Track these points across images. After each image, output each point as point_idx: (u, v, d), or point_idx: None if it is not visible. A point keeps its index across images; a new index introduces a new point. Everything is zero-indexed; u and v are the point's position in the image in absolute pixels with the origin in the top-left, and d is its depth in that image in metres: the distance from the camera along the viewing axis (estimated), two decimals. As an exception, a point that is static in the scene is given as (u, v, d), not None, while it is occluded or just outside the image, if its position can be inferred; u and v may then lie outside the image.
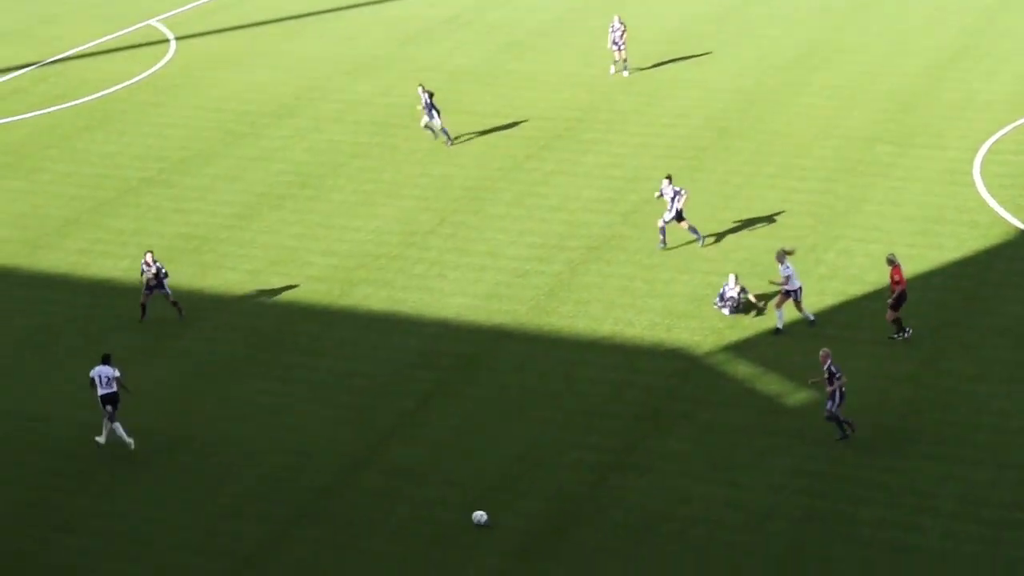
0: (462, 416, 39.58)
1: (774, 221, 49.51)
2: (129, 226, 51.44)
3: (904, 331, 41.82)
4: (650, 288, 45.32)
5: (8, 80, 66.13)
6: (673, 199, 47.27)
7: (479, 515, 34.37)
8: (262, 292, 46.53)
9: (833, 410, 37.21)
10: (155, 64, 67.66)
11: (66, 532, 35.13)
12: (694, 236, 47.99)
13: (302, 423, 39.48)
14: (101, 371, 38.12)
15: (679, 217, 47.60)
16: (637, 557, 33.55)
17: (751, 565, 33.13)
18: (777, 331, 42.43)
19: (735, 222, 49.56)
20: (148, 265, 44.20)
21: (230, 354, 43.09)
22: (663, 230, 47.76)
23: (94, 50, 69.79)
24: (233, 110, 61.94)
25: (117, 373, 38.13)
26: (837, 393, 37.13)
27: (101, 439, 38.31)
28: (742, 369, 41.00)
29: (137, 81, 65.53)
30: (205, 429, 39.29)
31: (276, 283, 47.02)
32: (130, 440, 38.02)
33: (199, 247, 49.65)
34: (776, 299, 42.68)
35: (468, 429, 38.94)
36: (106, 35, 71.92)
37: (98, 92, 64.21)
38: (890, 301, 41.46)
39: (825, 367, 37.23)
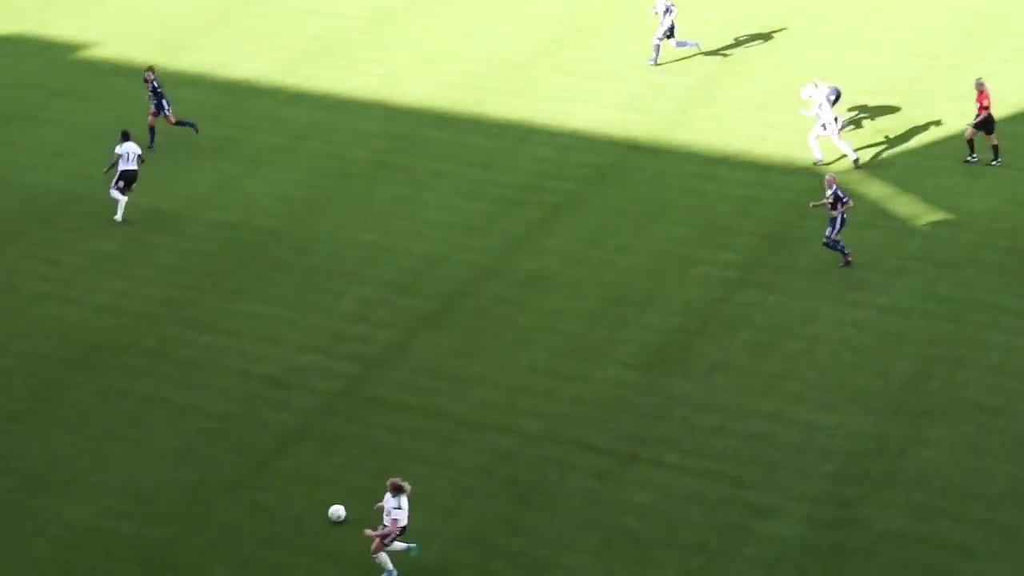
0: (591, 228, 39.52)
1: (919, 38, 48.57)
2: (266, 28, 51.48)
3: (995, 159, 41.12)
4: (785, 104, 44.66)
5: None
6: (665, 14, 46.23)
7: (336, 511, 29.77)
8: (396, 97, 46.53)
9: (832, 236, 36.73)
10: None
11: (197, 329, 35.71)
12: (691, 46, 47.24)
13: (431, 229, 39.62)
14: (129, 148, 39.51)
15: (670, 33, 46.61)
16: (760, 374, 33.51)
17: (877, 386, 32.96)
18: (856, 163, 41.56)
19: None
20: (147, 82, 43.46)
21: (363, 159, 43.25)
22: (657, 48, 46.84)
23: None
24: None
25: (139, 151, 39.61)
26: (839, 219, 36.59)
27: (118, 217, 39.68)
28: (874, 189, 40.46)
29: None
30: (335, 232, 39.59)
31: (410, 88, 46.97)
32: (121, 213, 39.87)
33: (334, 50, 49.65)
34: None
35: (596, 241, 38.88)
36: None
37: None
38: (974, 122, 40.92)
39: (831, 191, 36.64)
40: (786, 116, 44.05)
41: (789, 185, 40.95)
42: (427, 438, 31.77)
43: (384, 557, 27.87)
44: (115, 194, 39.77)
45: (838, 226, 36.73)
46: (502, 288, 37.14)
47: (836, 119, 41.40)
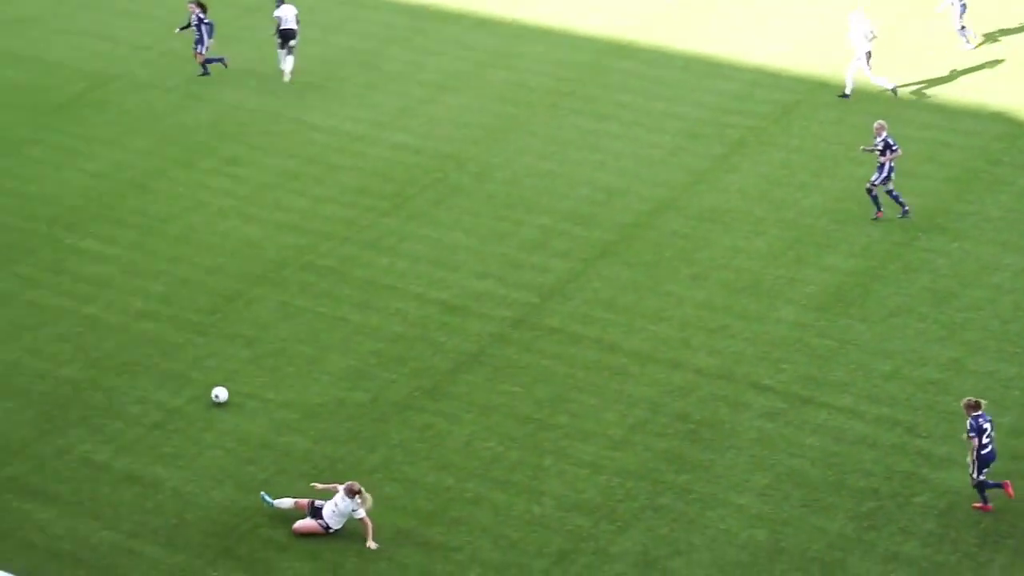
0: (773, 165, 39.18)
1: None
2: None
3: None
4: (977, 48, 43.75)
5: None
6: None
7: (219, 393, 31.02)
8: (581, 26, 46.40)
9: (876, 183, 35.94)
10: None
11: (376, 251, 36.05)
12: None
13: (611, 161, 39.54)
14: (286, 11, 42.43)
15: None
16: (939, 321, 33.04)
17: (1057, 339, 32.43)
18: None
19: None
20: (192, 11, 42.94)
21: (546, 87, 43.23)
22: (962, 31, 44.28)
23: None
24: None
25: (296, 11, 42.32)
26: (887, 166, 35.75)
27: (286, 78, 42.74)
28: (1068, 137, 39.64)
29: None
30: (515, 159, 39.68)
31: (591, 20, 46.81)
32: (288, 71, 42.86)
33: (522, -23, 49.69)
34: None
35: (777, 179, 38.55)
36: None
37: None
38: None
39: (880, 138, 35.78)
40: (978, 56, 43.17)
41: (979, 130, 40.20)
42: (599, 370, 31.83)
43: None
44: (282, 55, 42.91)
45: (885, 173, 36.03)
46: (680, 223, 36.98)
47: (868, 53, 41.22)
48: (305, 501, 27.81)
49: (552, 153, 40.00)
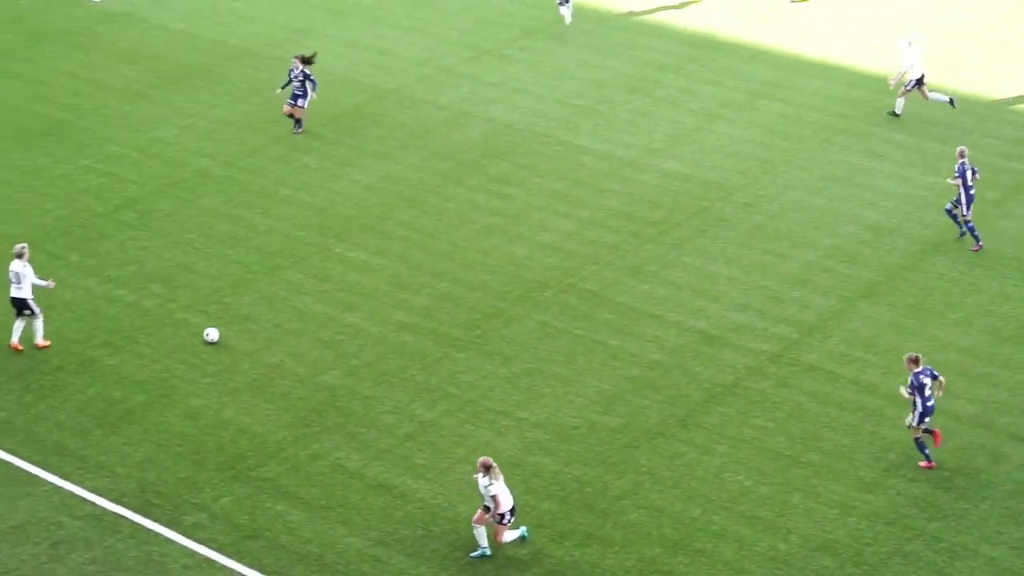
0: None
1: None
2: None
3: None
4: None
5: None
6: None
7: (209, 332, 33.65)
8: (857, 64, 45.80)
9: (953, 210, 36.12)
10: None
11: (638, 276, 36.01)
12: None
13: (882, 199, 38.97)
14: None
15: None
16: None
17: None
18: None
19: None
20: (295, 65, 41.72)
21: (820, 121, 42.77)
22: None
23: None
24: None
25: None
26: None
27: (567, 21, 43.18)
28: None
29: None
30: (784, 192, 39.32)
31: (873, 57, 46.17)
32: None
33: (799, 10, 49.12)
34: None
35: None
36: None
37: None
38: None
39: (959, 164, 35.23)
40: None
41: None
42: (854, 410, 31.32)
43: (479, 531, 27.48)
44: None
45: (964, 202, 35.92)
46: (948, 265, 36.23)
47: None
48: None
49: (821, 188, 39.55)
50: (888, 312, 34.56)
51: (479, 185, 39.94)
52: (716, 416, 31.26)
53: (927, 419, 29.17)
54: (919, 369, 29.04)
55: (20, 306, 33.10)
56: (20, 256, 32.88)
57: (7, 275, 33.11)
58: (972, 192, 36.13)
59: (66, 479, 29.32)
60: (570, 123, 42.84)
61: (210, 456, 30.04)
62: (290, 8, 48.85)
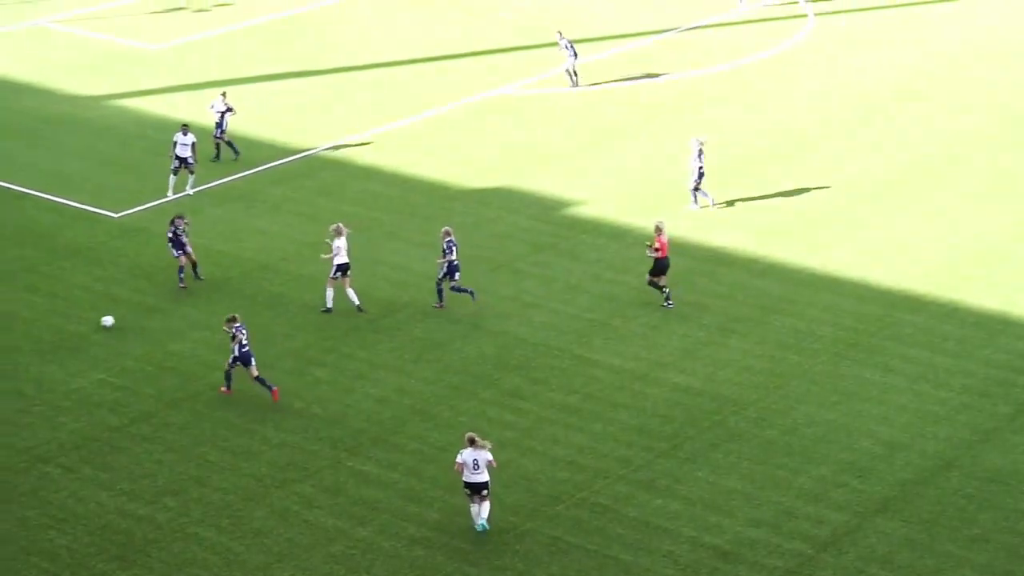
0: (1062, 428, 38.16)
1: None
2: (748, 193, 51.91)
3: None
4: None
5: (648, 44, 67.79)
6: None
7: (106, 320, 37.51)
8: (867, 278, 46.13)
9: None
10: (790, 38, 67.86)
11: (650, 491, 35.95)
12: None
13: (895, 414, 38.98)
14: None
15: None
16: None
17: None
18: None
19: None
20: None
21: (829, 335, 42.93)
22: None
23: (734, 20, 70.55)
24: (859, 91, 61.48)
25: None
26: None
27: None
28: None
29: (771, 55, 65.93)
30: (796, 407, 39.37)
31: (881, 271, 46.52)
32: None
33: (814, 224, 49.66)
34: None
35: (1067, 442, 37.52)
36: (756, 6, 72.55)
37: (731, 62, 65.01)
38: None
39: None
40: None
41: None
42: (871, 628, 31.04)
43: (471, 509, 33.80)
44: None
45: None
46: (963, 482, 36.12)
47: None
48: None
49: (834, 403, 39.59)
50: (903, 528, 34.38)
51: (492, 399, 40.04)
52: (730, 634, 30.97)
53: None
54: None
55: None
56: None
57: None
58: None
59: None
60: (582, 337, 43.06)
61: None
62: (305, 224, 49.46)
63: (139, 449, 37.88)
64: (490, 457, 33.91)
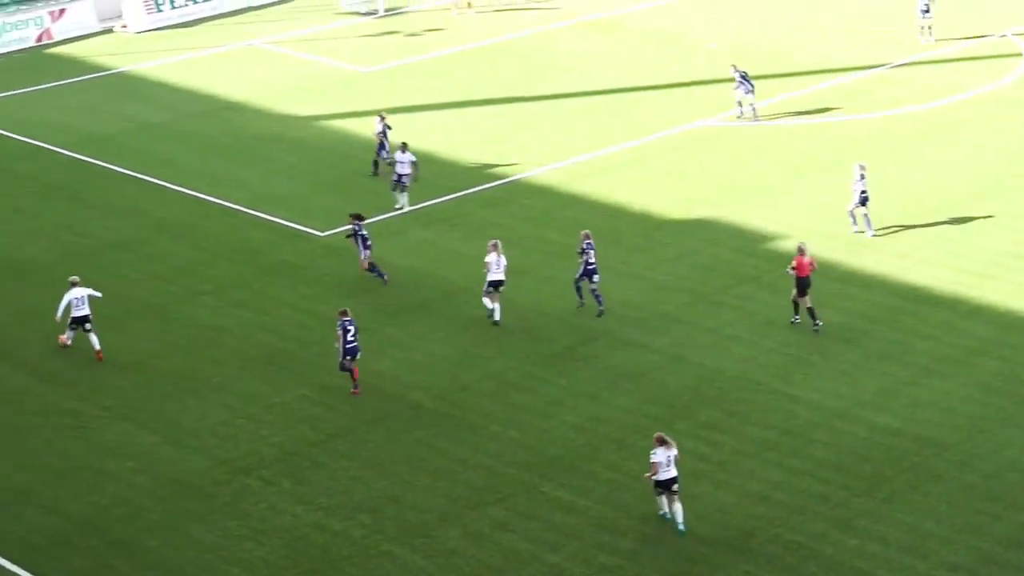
0: None
1: None
2: (953, 235, 51.14)
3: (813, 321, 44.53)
4: None
5: (857, 80, 67.21)
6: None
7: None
8: None
9: None
10: (1002, 78, 66.80)
11: (846, 530, 35.51)
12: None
13: (1101, 463, 38.17)
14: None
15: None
16: None
17: None
18: None
19: None
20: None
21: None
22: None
23: (941, 58, 69.65)
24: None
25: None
26: None
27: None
28: None
29: (979, 93, 64.93)
30: (1000, 452, 38.59)
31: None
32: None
33: (1019, 265, 48.80)
34: None
35: None
36: (958, 43, 71.56)
37: (938, 100, 64.12)
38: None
39: None
40: None
41: None
42: None
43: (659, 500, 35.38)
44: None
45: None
46: None
47: None
48: None
49: (1035, 447, 38.85)
50: (1106, 580, 33.60)
51: (688, 430, 39.90)
52: None
53: None
54: None
55: None
56: None
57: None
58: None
59: None
60: (782, 372, 42.75)
61: None
62: (507, 249, 49.80)
63: (336, 465, 38.45)
64: (676, 452, 35.55)
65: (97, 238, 52.03)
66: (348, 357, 41.29)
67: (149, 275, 49.24)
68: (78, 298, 43.59)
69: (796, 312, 45.16)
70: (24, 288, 48.29)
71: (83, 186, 56.35)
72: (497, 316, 45.49)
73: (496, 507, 36.62)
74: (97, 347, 43.64)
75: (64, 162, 58.81)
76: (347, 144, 59.58)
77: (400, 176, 53.14)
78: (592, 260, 45.83)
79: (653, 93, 65.24)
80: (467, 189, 55.06)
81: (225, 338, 44.98)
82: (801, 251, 44.70)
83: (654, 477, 35.31)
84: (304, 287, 48.27)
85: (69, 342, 43.98)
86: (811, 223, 52.22)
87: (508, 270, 45.95)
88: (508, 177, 56.61)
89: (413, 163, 53.01)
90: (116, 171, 57.62)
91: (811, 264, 44.76)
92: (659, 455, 35.21)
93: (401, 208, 53.33)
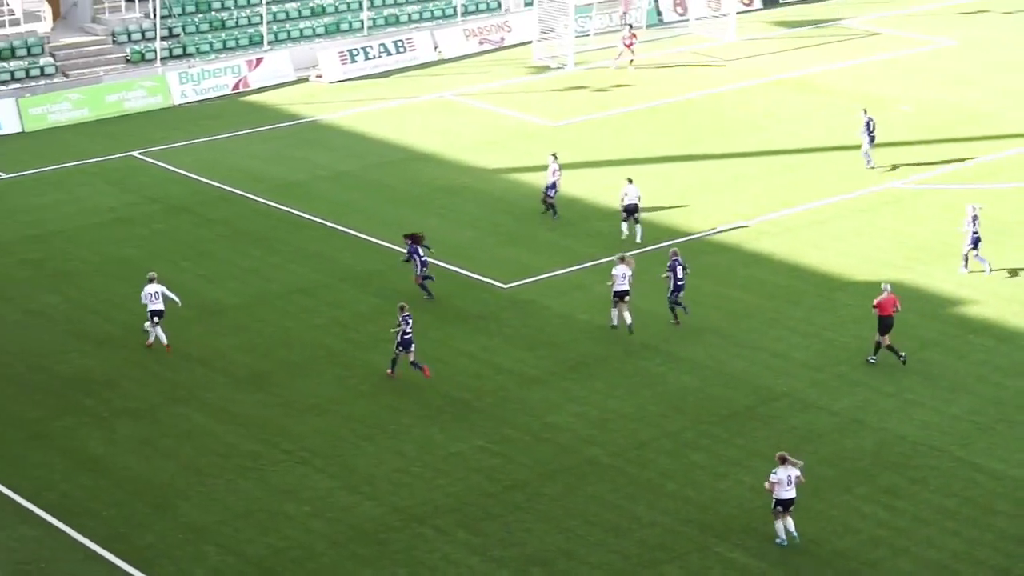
0: None
1: None
2: None
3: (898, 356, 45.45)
4: None
5: (1050, 143, 66.18)
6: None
7: None
8: None
9: None
10: None
11: None
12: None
13: None
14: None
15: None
16: None
17: None
18: None
19: None
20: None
21: None
22: None
23: None
24: None
25: None
26: None
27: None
28: None
29: None
30: None
31: None
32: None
33: None
34: None
35: None
36: None
37: None
38: None
39: None
40: None
41: None
42: None
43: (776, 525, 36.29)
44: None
45: None
46: None
47: None
48: None
49: None
50: None
51: (867, 495, 39.35)
52: None
53: None
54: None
55: None
56: None
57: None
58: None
59: None
60: (964, 439, 42.00)
61: None
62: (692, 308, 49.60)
63: (511, 517, 38.51)
64: (799, 473, 36.62)
65: (283, 283, 52.83)
66: (401, 348, 44.69)
67: (333, 321, 49.84)
68: (152, 293, 46.80)
69: (875, 352, 45.64)
70: (211, 330, 49.17)
71: (272, 231, 57.28)
72: (628, 320, 47.61)
73: (670, 566, 36.41)
74: (164, 341, 46.95)
75: (255, 207, 59.87)
76: (531, 197, 59.87)
77: (628, 207, 55.02)
78: (681, 276, 47.38)
79: (845, 153, 64.59)
80: (650, 247, 54.94)
81: (405, 387, 45.35)
82: (884, 290, 45.29)
83: (775, 495, 36.51)
84: (484, 338, 48.51)
85: (151, 340, 47.19)
86: (1003, 290, 51.34)
87: (687, 328, 45.61)
88: (692, 234, 56.41)
89: (638, 196, 55.06)
90: (305, 218, 58.51)
91: (894, 304, 45.36)
92: (779, 474, 36.56)
93: (633, 236, 55.10)
